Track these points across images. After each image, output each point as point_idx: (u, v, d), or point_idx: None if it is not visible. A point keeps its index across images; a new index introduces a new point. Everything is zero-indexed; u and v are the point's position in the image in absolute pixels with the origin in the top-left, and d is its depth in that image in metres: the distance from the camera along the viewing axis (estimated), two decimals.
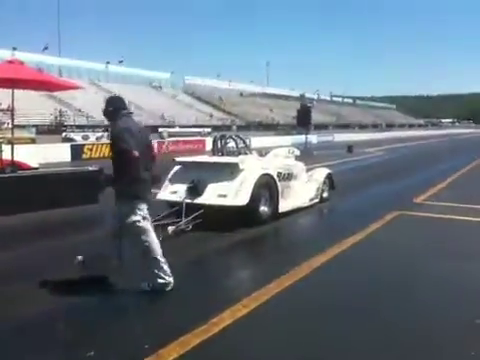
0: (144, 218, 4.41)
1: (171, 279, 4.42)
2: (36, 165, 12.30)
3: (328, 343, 3.46)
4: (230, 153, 8.23)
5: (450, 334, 3.60)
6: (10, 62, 9.07)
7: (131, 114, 4.65)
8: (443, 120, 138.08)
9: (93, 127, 34.91)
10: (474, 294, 4.48)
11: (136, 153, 4.20)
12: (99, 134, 31.25)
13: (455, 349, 3.37)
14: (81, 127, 35.14)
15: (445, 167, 17.55)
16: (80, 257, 4.78)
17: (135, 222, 4.37)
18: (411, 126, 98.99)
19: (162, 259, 4.41)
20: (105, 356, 3.27)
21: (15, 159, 9.43)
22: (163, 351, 3.22)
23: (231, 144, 8.46)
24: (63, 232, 6.95)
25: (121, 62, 60.21)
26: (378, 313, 4.01)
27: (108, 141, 28.70)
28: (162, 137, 33.54)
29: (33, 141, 24.13)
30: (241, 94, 72.60)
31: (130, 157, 4.20)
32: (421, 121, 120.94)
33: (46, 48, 52.43)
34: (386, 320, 3.87)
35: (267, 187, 7.52)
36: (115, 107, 4.53)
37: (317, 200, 9.13)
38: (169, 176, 7.89)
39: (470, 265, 5.32)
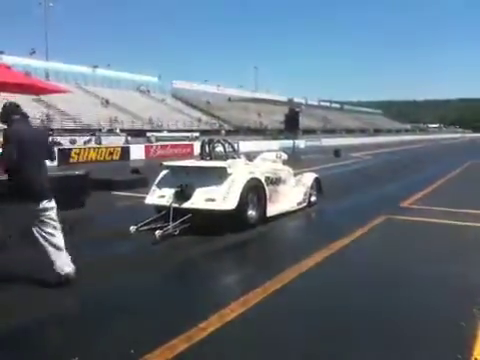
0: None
1: None
2: None
3: (315, 347, 3.46)
4: (218, 157, 8.21)
5: (432, 342, 3.61)
6: None
7: (25, 118, 4.77)
8: (430, 125, 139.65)
9: (81, 131, 34.70)
10: (456, 297, 4.51)
11: (14, 155, 4.38)
12: (87, 138, 31.10)
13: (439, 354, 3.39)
14: (68, 131, 34.93)
15: (432, 171, 17.72)
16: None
17: None
18: (398, 131, 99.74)
19: None
20: None
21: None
22: (150, 356, 3.20)
23: (219, 148, 8.44)
24: None
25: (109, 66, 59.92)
26: (365, 317, 4.03)
27: (95, 145, 28.72)
28: (150, 141, 33.52)
29: None
30: (229, 99, 72.65)
31: (9, 159, 4.42)
32: (408, 126, 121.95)
33: (33, 52, 52.08)
34: (373, 324, 3.89)
35: (255, 191, 7.53)
36: (7, 112, 4.70)
37: (305, 204, 9.16)
38: (157, 180, 7.86)
39: (454, 267, 5.35)
